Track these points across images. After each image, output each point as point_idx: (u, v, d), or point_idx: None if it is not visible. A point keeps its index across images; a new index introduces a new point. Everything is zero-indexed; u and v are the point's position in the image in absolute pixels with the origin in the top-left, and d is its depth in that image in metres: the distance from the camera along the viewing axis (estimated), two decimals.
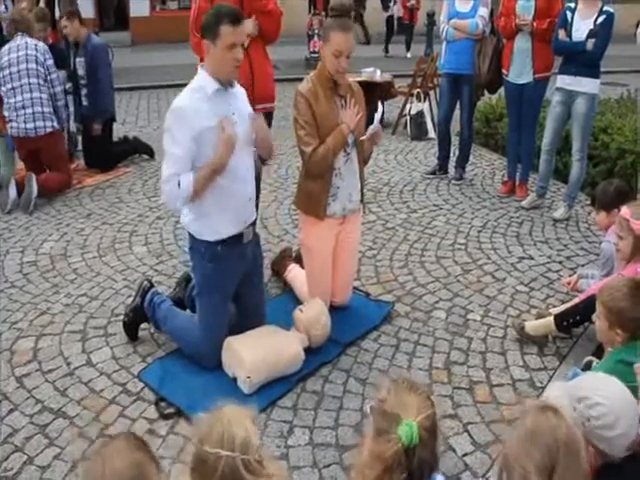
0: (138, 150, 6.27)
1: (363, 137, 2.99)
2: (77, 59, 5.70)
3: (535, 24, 4.57)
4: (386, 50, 14.00)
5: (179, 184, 2.55)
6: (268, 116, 3.72)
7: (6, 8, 9.91)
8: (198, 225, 2.73)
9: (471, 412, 2.61)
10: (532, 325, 3.08)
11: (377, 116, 2.96)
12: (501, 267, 3.93)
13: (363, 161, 3.18)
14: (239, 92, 2.78)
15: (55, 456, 2.39)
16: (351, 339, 3.09)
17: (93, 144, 5.83)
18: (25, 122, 4.96)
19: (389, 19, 14.25)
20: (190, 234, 2.78)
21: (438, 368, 2.91)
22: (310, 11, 13.05)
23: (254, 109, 3.24)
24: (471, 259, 4.04)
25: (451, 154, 5.74)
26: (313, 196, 3.06)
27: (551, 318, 3.04)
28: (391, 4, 14.28)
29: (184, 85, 2.70)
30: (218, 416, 1.42)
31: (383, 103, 7.08)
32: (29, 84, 4.97)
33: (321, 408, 2.63)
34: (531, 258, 4.06)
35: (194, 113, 2.54)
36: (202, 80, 2.63)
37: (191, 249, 2.84)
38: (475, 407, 2.64)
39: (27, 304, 3.50)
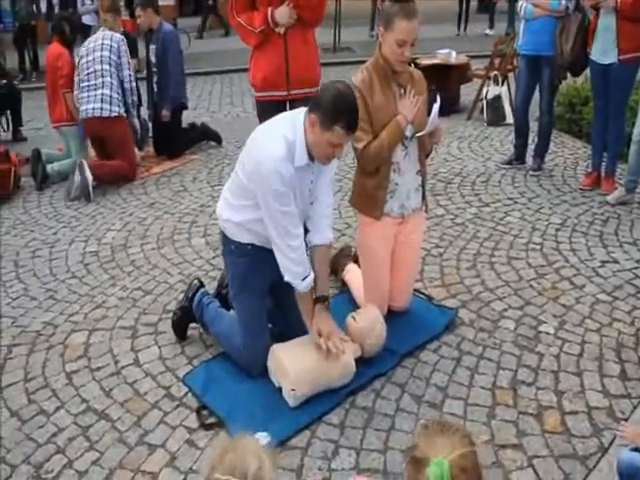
0: (206, 137, 6.27)
1: (420, 133, 2.72)
2: (150, 46, 5.77)
3: (619, 0, 4.08)
4: (458, 29, 13.31)
5: (304, 279, 2.51)
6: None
7: (92, 0, 10.20)
8: (237, 230, 2.63)
9: (538, 443, 2.32)
10: None
11: (435, 109, 2.64)
12: (581, 272, 3.54)
13: (425, 155, 2.92)
14: None
15: (94, 461, 2.33)
16: (408, 349, 2.86)
17: (162, 131, 5.88)
18: (93, 102, 5.18)
19: None
20: (223, 233, 2.68)
21: (503, 388, 2.62)
22: None
23: (290, 94, 3.47)
24: (547, 261, 3.67)
25: (530, 141, 5.32)
26: (369, 193, 2.84)
27: None
28: None
29: None
30: (233, 445, 1.38)
31: (455, 90, 6.75)
32: (102, 70, 5.21)
33: (370, 427, 2.43)
34: (616, 262, 3.64)
35: (289, 180, 2.37)
36: (297, 138, 2.38)
37: (223, 250, 2.75)
38: (543, 437, 2.34)
39: (84, 296, 3.50)
